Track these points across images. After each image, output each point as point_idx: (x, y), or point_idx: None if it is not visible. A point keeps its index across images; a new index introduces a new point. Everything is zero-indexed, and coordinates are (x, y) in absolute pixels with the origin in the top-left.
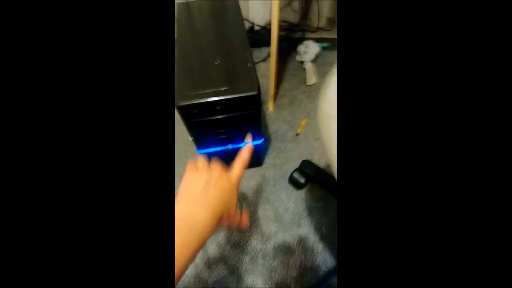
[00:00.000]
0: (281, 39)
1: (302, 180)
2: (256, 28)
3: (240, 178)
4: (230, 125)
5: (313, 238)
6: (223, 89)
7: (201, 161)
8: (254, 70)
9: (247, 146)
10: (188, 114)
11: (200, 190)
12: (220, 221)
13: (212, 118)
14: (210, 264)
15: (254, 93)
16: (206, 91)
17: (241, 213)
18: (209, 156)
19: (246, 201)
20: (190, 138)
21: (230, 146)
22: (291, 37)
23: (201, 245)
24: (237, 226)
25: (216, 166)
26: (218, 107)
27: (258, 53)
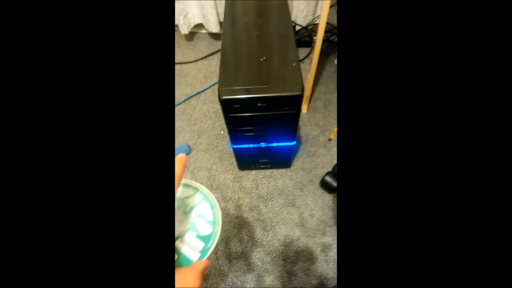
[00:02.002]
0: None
1: (335, 184)
2: (297, 28)
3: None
4: (268, 123)
5: (337, 249)
6: (267, 86)
7: None
8: (299, 70)
9: None
10: (230, 108)
11: None
12: None
13: (252, 114)
14: (231, 258)
15: (298, 93)
16: (249, 87)
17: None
18: (241, 152)
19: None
20: (221, 132)
21: (263, 145)
22: (331, 40)
23: None
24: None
25: None
26: (259, 104)
27: None
